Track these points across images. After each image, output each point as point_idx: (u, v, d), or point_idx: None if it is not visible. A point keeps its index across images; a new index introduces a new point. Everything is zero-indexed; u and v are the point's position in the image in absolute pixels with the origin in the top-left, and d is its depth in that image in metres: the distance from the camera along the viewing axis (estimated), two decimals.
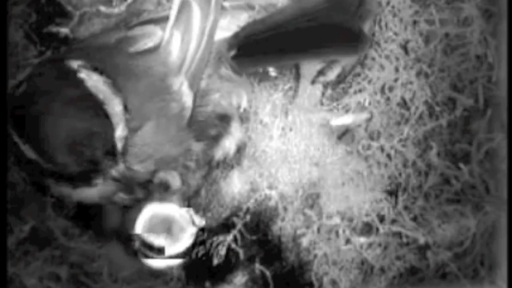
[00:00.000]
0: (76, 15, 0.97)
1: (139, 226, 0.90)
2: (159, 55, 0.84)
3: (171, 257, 0.92)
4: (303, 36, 0.86)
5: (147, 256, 0.92)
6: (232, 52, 0.87)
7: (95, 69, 0.80)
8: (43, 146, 0.77)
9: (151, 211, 0.90)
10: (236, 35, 0.87)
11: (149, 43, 0.85)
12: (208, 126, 0.87)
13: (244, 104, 0.91)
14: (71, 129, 0.76)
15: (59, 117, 0.76)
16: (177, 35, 0.84)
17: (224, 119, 0.89)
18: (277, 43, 0.86)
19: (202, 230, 0.94)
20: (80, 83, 0.78)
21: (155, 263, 0.91)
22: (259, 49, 0.87)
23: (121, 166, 0.81)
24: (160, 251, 0.91)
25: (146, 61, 0.84)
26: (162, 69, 0.84)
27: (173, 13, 0.85)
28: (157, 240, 0.89)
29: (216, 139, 0.89)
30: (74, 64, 0.79)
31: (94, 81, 0.79)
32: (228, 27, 0.88)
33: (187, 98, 0.84)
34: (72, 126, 0.76)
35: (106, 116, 0.78)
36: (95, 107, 0.78)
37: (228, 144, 0.91)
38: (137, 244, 0.90)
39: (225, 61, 0.87)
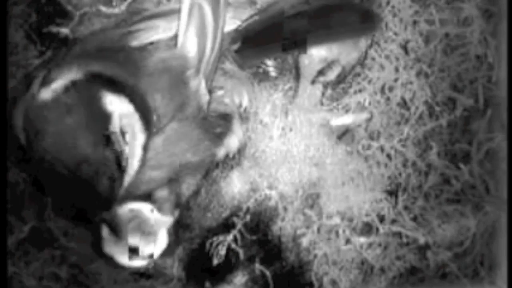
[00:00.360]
0: (76, 15, 0.97)
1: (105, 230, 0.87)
2: (175, 54, 0.83)
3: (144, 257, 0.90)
4: (306, 19, 0.86)
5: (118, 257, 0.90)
6: (236, 46, 0.87)
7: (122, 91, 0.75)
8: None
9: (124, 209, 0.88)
10: (237, 29, 0.87)
11: (154, 36, 0.84)
12: (211, 124, 0.87)
13: (246, 102, 0.92)
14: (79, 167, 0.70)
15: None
16: (193, 36, 0.83)
17: (226, 117, 0.89)
18: (281, 30, 0.86)
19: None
20: (107, 117, 0.72)
21: (128, 263, 0.89)
22: (262, 39, 0.87)
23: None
24: (133, 251, 0.88)
25: (159, 56, 0.83)
26: (180, 68, 0.83)
27: (184, 14, 0.84)
28: (130, 240, 0.87)
29: (220, 137, 0.89)
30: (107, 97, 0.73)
31: (120, 115, 0.74)
32: (231, 22, 0.88)
33: (204, 98, 0.84)
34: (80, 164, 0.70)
35: (120, 169, 0.73)
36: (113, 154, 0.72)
37: (231, 143, 0.91)
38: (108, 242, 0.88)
39: (229, 55, 0.87)
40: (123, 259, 0.84)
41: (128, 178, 0.74)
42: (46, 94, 0.73)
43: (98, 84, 0.73)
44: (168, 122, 0.80)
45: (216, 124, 0.87)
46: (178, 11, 0.84)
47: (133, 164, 0.75)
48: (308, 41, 0.88)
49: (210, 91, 0.85)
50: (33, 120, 0.72)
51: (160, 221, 0.85)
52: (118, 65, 0.78)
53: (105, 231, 0.84)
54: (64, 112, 0.70)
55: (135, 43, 0.83)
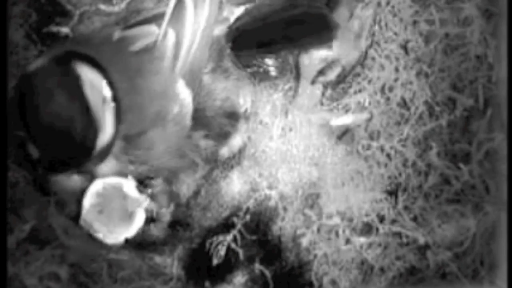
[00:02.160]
0: (76, 14, 0.97)
1: (88, 200, 0.88)
2: (153, 53, 0.84)
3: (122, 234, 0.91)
4: (283, 26, 0.88)
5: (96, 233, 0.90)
6: (229, 45, 0.87)
7: (95, 65, 0.81)
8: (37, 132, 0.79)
9: (101, 184, 0.88)
10: (229, 28, 0.87)
11: (146, 41, 0.85)
12: (216, 123, 0.87)
13: (248, 102, 0.92)
14: (57, 119, 0.78)
15: (50, 104, 0.78)
16: (171, 32, 0.84)
17: (232, 116, 0.89)
18: (264, 34, 0.88)
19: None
20: (76, 80, 0.79)
21: (107, 239, 0.89)
22: (250, 42, 0.88)
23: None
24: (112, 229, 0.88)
25: (142, 60, 0.84)
26: (156, 68, 0.84)
27: (168, 11, 0.85)
28: (109, 217, 0.87)
29: (224, 137, 0.89)
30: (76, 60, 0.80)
31: (90, 81, 0.80)
32: (227, 20, 0.88)
33: (185, 97, 0.84)
34: (58, 117, 0.78)
35: (91, 121, 0.79)
36: (82, 108, 0.79)
37: (235, 142, 0.91)
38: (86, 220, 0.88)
39: (227, 54, 0.87)
40: (99, 233, 0.87)
41: (104, 136, 0.80)
42: (33, 65, 0.82)
43: (76, 57, 0.81)
44: (148, 127, 0.83)
45: (221, 122, 0.88)
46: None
47: (105, 119, 0.80)
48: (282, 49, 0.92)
49: (196, 89, 0.85)
50: (23, 87, 0.80)
51: (138, 200, 0.87)
52: (100, 56, 0.82)
53: (87, 202, 0.86)
54: (45, 77, 0.80)
55: (130, 48, 0.85)
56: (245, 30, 0.88)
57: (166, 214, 0.93)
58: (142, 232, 0.93)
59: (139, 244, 0.94)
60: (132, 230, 0.87)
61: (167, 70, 0.84)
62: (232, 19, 0.88)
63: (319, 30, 0.90)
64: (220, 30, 0.87)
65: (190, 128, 0.86)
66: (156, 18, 0.86)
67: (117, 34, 0.86)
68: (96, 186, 0.88)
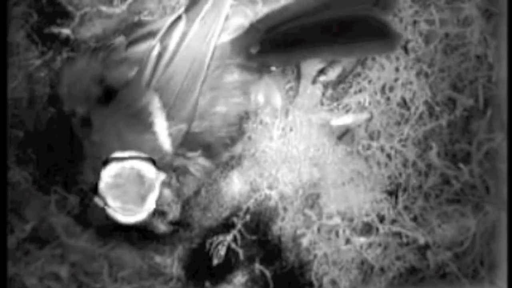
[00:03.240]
0: (77, 16, 0.97)
1: (104, 181, 0.87)
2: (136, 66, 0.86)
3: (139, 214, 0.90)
4: (326, 29, 0.84)
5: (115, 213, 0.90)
6: (255, 49, 0.86)
7: None
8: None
9: (117, 167, 0.88)
10: (256, 29, 0.86)
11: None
12: (215, 148, 0.88)
13: (261, 98, 0.92)
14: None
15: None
16: (157, 46, 0.85)
17: (242, 120, 0.90)
18: (300, 37, 0.85)
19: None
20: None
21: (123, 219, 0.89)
22: (283, 44, 0.86)
23: None
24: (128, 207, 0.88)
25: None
26: (132, 80, 0.86)
27: (164, 26, 0.86)
28: (125, 196, 0.87)
29: (231, 143, 0.90)
30: None
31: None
32: (230, 30, 0.88)
33: (157, 114, 0.84)
34: None
35: None
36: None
37: (240, 146, 0.92)
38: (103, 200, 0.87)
39: (253, 56, 0.87)
40: (117, 214, 0.86)
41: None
42: None
43: None
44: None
45: (220, 151, 0.89)
46: None
47: None
48: (326, 52, 0.88)
49: (172, 107, 0.85)
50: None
51: (153, 178, 0.86)
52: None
53: (103, 185, 0.85)
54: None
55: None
56: (276, 31, 0.86)
57: (175, 210, 0.93)
58: (149, 224, 0.93)
59: (144, 237, 0.95)
60: (146, 209, 0.87)
61: (142, 83, 0.84)
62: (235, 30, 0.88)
63: (376, 36, 0.83)
64: (222, 40, 0.87)
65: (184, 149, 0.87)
66: (157, 33, 0.87)
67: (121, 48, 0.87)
68: (113, 168, 0.87)
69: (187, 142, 0.86)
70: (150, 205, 0.85)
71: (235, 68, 0.87)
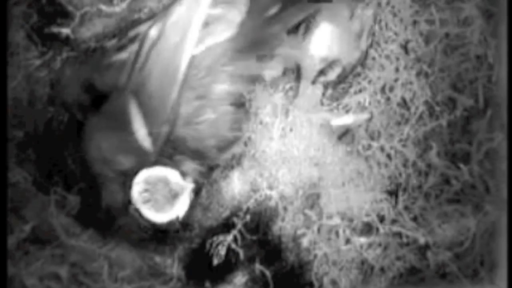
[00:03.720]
0: (77, 15, 0.97)
1: (136, 189, 0.89)
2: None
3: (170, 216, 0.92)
4: None
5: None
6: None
7: None
8: None
9: (145, 174, 0.89)
10: None
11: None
12: (202, 153, 0.88)
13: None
14: None
15: None
16: (134, 52, 0.85)
17: (241, 121, 0.90)
18: None
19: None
20: None
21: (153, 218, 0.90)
22: None
23: None
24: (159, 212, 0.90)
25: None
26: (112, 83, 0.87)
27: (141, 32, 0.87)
28: (154, 203, 0.89)
29: (230, 145, 0.90)
30: None
31: None
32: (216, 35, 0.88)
33: (134, 114, 0.85)
34: None
35: None
36: None
37: (236, 149, 0.92)
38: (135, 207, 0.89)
39: (225, 73, 0.87)
40: (149, 214, 0.88)
41: None
42: None
43: None
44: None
45: (221, 137, 0.89)
46: None
47: None
48: None
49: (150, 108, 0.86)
50: None
51: (184, 185, 0.88)
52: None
53: (135, 191, 0.87)
54: None
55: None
56: None
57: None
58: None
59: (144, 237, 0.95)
60: (178, 212, 0.89)
61: (120, 88, 0.85)
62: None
63: None
64: (211, 43, 0.87)
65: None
66: None
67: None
68: (142, 175, 0.89)
69: (175, 145, 0.87)
70: (179, 209, 0.87)
71: (227, 77, 0.87)
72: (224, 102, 0.88)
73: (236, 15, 0.87)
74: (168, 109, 0.84)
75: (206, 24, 0.86)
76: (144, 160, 0.86)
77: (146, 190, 0.88)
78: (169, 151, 0.87)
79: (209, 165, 0.92)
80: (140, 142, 0.85)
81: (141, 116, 0.84)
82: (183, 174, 0.89)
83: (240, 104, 0.91)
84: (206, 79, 0.86)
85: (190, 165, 0.89)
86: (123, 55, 0.86)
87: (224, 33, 0.86)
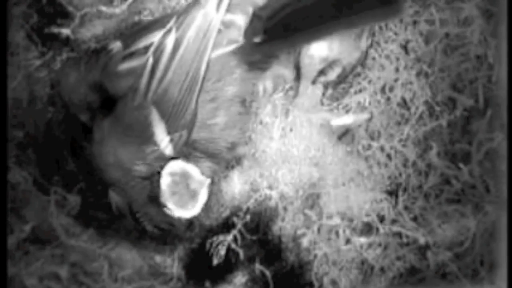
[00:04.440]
0: (77, 16, 0.97)
1: (164, 184, 0.89)
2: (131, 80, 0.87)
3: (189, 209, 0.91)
4: (328, 5, 0.82)
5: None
6: (259, 38, 0.86)
7: None
8: None
9: (173, 166, 0.90)
10: (258, 17, 0.86)
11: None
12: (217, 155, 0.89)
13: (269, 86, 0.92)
14: None
15: None
16: (150, 60, 0.85)
17: (243, 126, 0.90)
18: (305, 18, 0.83)
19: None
20: None
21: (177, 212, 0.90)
22: (287, 28, 0.85)
23: None
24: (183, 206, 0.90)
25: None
26: (129, 94, 0.86)
27: (155, 40, 0.86)
28: (179, 196, 0.89)
29: (232, 149, 0.90)
30: None
31: None
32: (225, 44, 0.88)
33: (157, 125, 0.85)
34: None
35: None
36: None
37: (242, 150, 0.92)
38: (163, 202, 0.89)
39: (258, 48, 0.86)
40: (175, 209, 0.88)
41: None
42: None
43: None
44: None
45: (231, 137, 0.89)
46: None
47: None
48: (332, 28, 0.85)
49: (171, 117, 0.86)
50: None
51: (203, 181, 0.88)
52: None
53: (164, 183, 0.87)
54: None
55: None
56: (279, 18, 0.84)
57: None
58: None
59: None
60: (197, 208, 0.89)
61: (139, 97, 0.85)
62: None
63: (379, 3, 0.80)
64: (220, 52, 0.87)
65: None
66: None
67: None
68: (169, 168, 0.90)
69: (189, 146, 0.87)
70: (199, 204, 0.88)
71: (236, 80, 0.87)
72: (235, 103, 0.88)
73: (243, 21, 0.87)
74: (188, 115, 0.85)
75: (219, 30, 0.86)
76: (163, 166, 0.87)
77: (173, 183, 0.88)
78: (184, 151, 0.87)
79: (223, 164, 0.93)
80: (162, 150, 0.86)
81: (164, 125, 0.85)
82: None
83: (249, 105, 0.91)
84: (218, 83, 0.86)
85: (204, 164, 0.89)
86: (133, 63, 0.86)
87: (234, 39, 0.87)
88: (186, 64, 0.84)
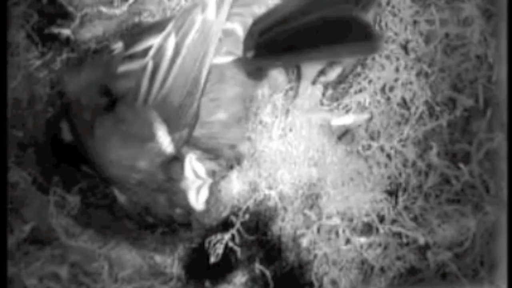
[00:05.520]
0: (77, 16, 0.97)
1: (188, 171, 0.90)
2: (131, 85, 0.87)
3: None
4: (313, 31, 0.83)
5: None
6: (250, 54, 0.86)
7: None
8: None
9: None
10: (250, 33, 0.86)
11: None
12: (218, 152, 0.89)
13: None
14: None
15: None
16: (150, 63, 0.85)
17: (244, 123, 0.90)
18: (291, 40, 0.84)
19: None
20: None
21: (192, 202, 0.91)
22: (275, 48, 0.85)
23: None
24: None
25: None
26: (131, 99, 0.86)
27: (155, 43, 0.86)
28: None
29: (232, 148, 0.90)
30: None
31: None
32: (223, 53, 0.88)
33: (159, 127, 0.85)
34: None
35: None
36: None
37: (244, 149, 0.93)
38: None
39: (248, 61, 0.87)
40: (191, 197, 0.90)
41: None
42: None
43: None
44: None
45: (231, 134, 0.89)
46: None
47: None
48: (314, 54, 0.85)
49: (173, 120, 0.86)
50: None
51: (206, 179, 0.90)
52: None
53: (188, 170, 0.89)
54: None
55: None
56: (268, 36, 0.85)
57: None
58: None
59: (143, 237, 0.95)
60: (200, 204, 0.91)
61: (140, 101, 0.85)
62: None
63: (359, 38, 0.80)
64: (221, 61, 0.87)
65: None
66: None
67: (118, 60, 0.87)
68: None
69: (190, 145, 0.87)
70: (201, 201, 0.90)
71: (237, 83, 0.88)
72: (236, 102, 0.88)
73: (242, 32, 0.87)
74: (189, 116, 0.85)
75: (220, 39, 0.87)
76: (164, 161, 0.87)
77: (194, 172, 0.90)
78: (185, 149, 0.88)
79: (224, 164, 0.93)
80: (164, 149, 0.86)
81: (165, 126, 0.85)
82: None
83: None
84: (219, 85, 0.87)
85: (205, 163, 0.89)
86: (133, 66, 0.86)
87: (232, 52, 0.87)
88: (187, 69, 0.84)
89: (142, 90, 0.85)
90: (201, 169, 0.89)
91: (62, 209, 0.94)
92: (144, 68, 0.85)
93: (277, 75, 0.92)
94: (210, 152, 0.89)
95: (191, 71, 0.84)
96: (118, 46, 0.89)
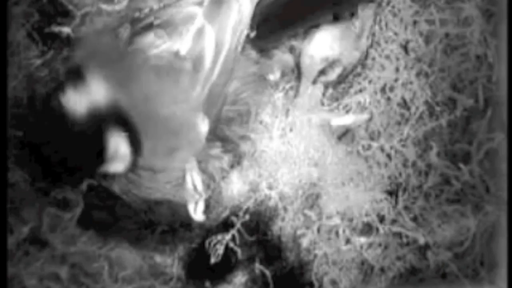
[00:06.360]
0: (77, 15, 0.97)
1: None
2: (171, 77, 0.84)
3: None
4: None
5: None
6: (253, 34, 0.86)
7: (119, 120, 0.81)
8: None
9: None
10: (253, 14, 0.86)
11: (155, 50, 0.84)
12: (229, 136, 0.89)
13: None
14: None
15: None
16: (189, 65, 0.83)
17: (246, 122, 0.90)
18: (289, 13, 0.85)
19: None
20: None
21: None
22: (276, 22, 0.86)
23: None
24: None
25: (162, 83, 0.84)
26: (176, 94, 0.84)
27: (188, 39, 0.84)
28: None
29: (235, 145, 0.90)
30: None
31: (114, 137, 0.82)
32: None
33: (203, 128, 0.85)
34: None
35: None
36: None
37: (245, 148, 0.93)
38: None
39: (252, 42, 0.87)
40: (191, 209, 0.91)
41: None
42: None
43: None
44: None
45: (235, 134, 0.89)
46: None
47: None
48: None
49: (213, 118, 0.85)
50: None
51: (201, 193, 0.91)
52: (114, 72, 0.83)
53: (188, 181, 0.89)
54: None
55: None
56: (268, 13, 0.85)
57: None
58: None
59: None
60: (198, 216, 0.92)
61: (186, 98, 0.84)
62: None
63: None
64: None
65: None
66: (165, 25, 0.85)
67: (127, 38, 0.85)
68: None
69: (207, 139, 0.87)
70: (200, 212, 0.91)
71: (252, 61, 0.87)
72: (254, 78, 0.88)
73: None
74: (218, 106, 0.85)
75: None
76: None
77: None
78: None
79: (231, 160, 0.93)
80: (202, 138, 0.85)
81: (207, 121, 0.84)
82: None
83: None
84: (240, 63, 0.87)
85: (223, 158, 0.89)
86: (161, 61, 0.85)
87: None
88: (228, 66, 0.84)
89: (184, 86, 0.83)
90: (199, 183, 0.89)
91: (62, 210, 0.94)
92: (179, 69, 0.83)
93: (282, 55, 0.93)
94: (227, 142, 0.89)
95: (231, 62, 0.84)
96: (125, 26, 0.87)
